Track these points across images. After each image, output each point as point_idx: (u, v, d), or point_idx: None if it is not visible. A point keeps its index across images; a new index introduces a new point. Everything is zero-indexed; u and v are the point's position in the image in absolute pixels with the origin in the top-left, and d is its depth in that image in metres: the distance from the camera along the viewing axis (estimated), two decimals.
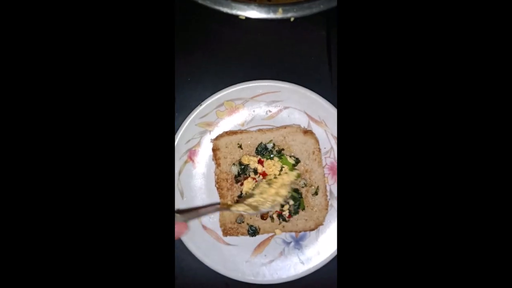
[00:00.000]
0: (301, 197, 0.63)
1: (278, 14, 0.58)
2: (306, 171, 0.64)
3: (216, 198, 0.65)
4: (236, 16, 0.58)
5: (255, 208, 0.57)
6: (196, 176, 0.65)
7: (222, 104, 0.64)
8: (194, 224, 0.64)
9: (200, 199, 0.65)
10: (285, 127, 0.64)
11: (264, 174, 0.62)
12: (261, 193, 0.60)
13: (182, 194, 0.64)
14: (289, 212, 0.63)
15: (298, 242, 0.65)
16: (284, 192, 0.60)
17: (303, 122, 0.65)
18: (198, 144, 0.65)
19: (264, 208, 0.58)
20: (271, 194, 0.59)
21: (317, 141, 0.64)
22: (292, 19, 0.59)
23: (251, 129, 0.65)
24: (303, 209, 0.64)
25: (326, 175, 0.65)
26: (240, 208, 0.57)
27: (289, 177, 0.61)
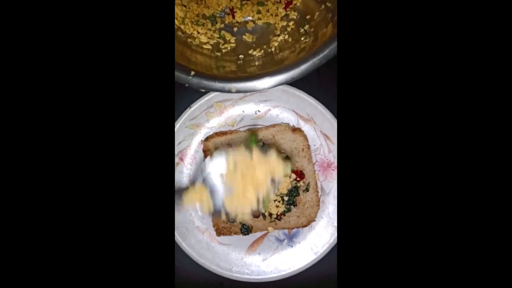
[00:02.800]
0: (298, 194, 0.64)
1: None
2: (297, 168, 0.64)
3: None
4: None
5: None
6: (187, 178, 0.66)
7: (212, 106, 0.65)
8: (188, 225, 0.65)
9: None
10: (274, 125, 0.65)
11: None
12: None
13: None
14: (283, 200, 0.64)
15: (291, 239, 0.66)
16: None
17: (292, 120, 0.66)
18: (189, 145, 0.66)
19: None
20: None
21: (306, 138, 0.65)
22: None
23: (241, 129, 0.66)
24: (295, 205, 0.64)
25: (316, 172, 0.65)
26: None
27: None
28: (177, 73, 0.51)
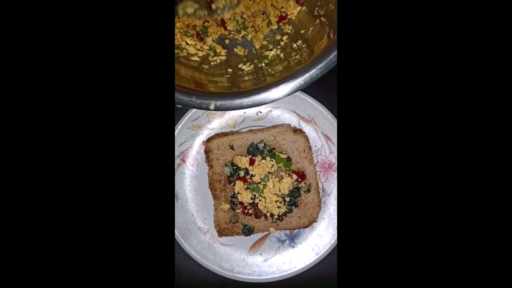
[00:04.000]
0: (299, 195, 0.64)
1: None
2: (298, 169, 0.65)
3: (209, 199, 0.66)
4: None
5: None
6: (189, 179, 0.66)
7: None
8: (189, 226, 0.65)
9: (194, 200, 0.66)
10: (275, 126, 0.65)
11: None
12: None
13: (176, 197, 0.65)
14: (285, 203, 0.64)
15: (292, 239, 0.66)
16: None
17: (294, 121, 0.66)
18: (191, 146, 0.66)
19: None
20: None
21: (307, 139, 0.65)
22: None
23: (242, 130, 0.66)
24: (297, 207, 0.65)
25: (318, 173, 0.66)
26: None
27: None
28: None
